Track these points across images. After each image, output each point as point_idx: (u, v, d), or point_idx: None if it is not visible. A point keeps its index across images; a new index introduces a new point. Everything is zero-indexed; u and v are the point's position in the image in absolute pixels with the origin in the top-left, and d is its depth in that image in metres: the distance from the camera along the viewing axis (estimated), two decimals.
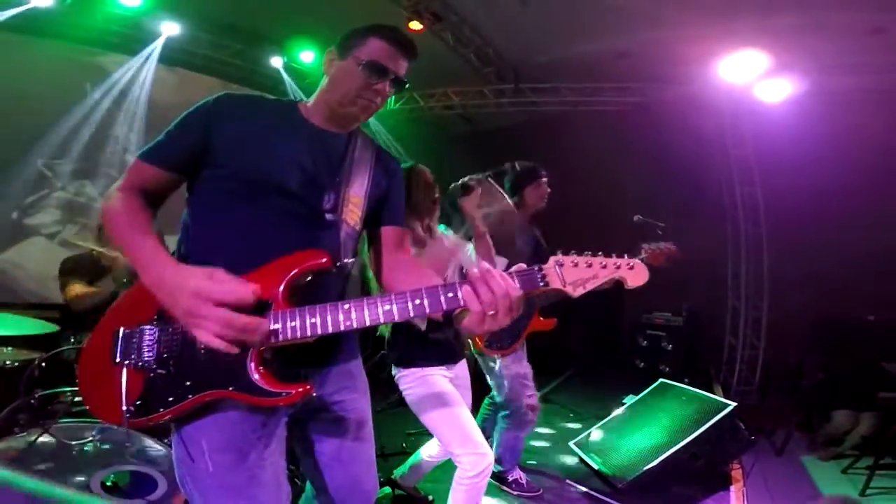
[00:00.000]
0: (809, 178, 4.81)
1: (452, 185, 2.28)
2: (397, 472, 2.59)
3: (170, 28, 4.95)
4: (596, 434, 3.46)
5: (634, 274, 1.03)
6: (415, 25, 4.60)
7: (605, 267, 1.02)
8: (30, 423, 1.96)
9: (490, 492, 2.89)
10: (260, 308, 1.06)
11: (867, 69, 4.44)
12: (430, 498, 2.64)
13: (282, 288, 1.09)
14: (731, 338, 5.84)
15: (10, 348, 2.54)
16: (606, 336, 7.11)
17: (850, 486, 3.16)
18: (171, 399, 1.08)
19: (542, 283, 1.02)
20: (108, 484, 1.86)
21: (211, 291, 1.00)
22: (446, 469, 2.68)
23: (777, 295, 5.59)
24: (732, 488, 2.99)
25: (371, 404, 1.44)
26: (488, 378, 2.85)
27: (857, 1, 3.75)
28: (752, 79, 4.65)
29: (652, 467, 2.81)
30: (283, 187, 1.22)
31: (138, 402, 1.08)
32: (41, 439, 1.89)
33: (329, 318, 1.06)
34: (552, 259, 1.03)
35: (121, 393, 1.07)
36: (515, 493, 2.87)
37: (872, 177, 4.69)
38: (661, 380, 3.77)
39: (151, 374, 1.09)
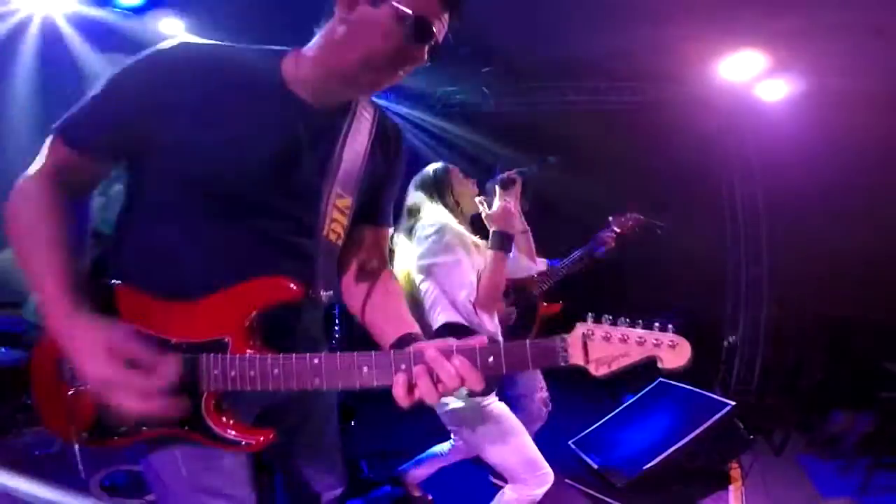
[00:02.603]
0: (809, 177, 4.81)
1: (490, 180, 2.19)
2: (402, 469, 2.60)
3: (171, 27, 4.93)
4: (596, 434, 3.46)
5: (675, 354, 0.84)
6: None
7: (641, 343, 0.83)
8: (28, 422, 1.96)
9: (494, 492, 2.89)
10: (216, 347, 0.93)
11: (868, 69, 4.44)
12: (430, 497, 2.64)
13: (241, 325, 0.93)
14: (730, 337, 5.84)
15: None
16: None
17: (849, 486, 3.16)
18: (123, 429, 0.97)
19: (562, 362, 0.84)
20: (107, 484, 1.87)
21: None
22: (447, 469, 2.69)
23: (776, 295, 5.59)
24: (731, 488, 2.99)
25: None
26: None
27: (857, 1, 3.74)
28: (752, 78, 4.65)
29: (651, 467, 2.81)
30: (245, 190, 0.98)
31: (91, 429, 0.97)
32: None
33: (294, 373, 0.90)
34: (580, 328, 0.84)
35: (70, 416, 0.97)
36: None
37: (873, 177, 4.69)
38: (660, 379, 3.77)
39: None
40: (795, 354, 5.06)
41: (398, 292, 1.17)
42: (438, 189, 2.13)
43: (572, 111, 5.85)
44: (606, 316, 0.84)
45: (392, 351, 0.88)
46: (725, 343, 5.83)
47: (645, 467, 2.82)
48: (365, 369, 0.88)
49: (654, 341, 0.84)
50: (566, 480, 3.11)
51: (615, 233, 2.81)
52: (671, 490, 2.91)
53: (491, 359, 0.84)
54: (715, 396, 3.33)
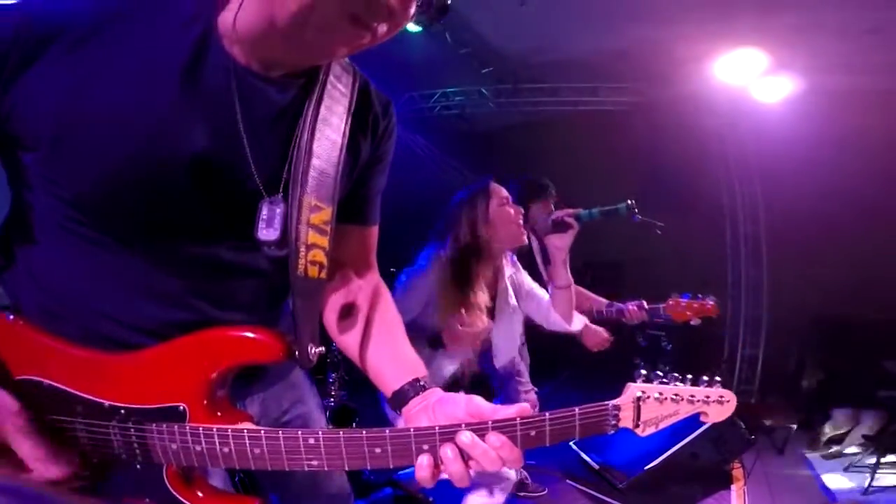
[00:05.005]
0: (808, 177, 4.81)
1: (542, 220, 1.96)
2: (401, 474, 2.59)
3: None
4: None
5: (721, 409, 0.80)
6: (413, 27, 4.60)
7: (692, 401, 0.79)
8: None
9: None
10: (169, 415, 0.73)
11: (866, 69, 4.44)
12: (431, 499, 2.64)
13: (199, 389, 0.74)
14: (731, 337, 5.83)
15: None
16: None
17: (851, 485, 3.15)
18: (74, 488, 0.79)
19: (611, 429, 0.79)
20: None
21: None
22: None
23: (777, 294, 5.59)
24: (733, 487, 2.98)
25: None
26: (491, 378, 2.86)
27: (855, 0, 3.75)
28: (751, 78, 4.65)
29: (652, 467, 2.81)
30: (158, 206, 0.71)
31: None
32: None
33: (283, 453, 0.71)
34: (633, 389, 0.77)
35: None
36: (521, 493, 2.88)
37: (872, 176, 4.69)
38: None
39: None
40: (796, 354, 5.06)
41: (395, 319, 0.95)
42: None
43: (571, 112, 5.86)
44: (656, 372, 0.80)
45: (412, 430, 0.71)
46: (726, 343, 5.83)
47: (646, 467, 2.82)
48: (378, 450, 0.71)
49: (705, 398, 0.80)
50: (567, 481, 3.10)
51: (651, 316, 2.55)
52: (672, 490, 2.90)
53: (533, 432, 0.72)
54: None
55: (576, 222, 1.87)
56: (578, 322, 2.04)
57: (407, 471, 2.56)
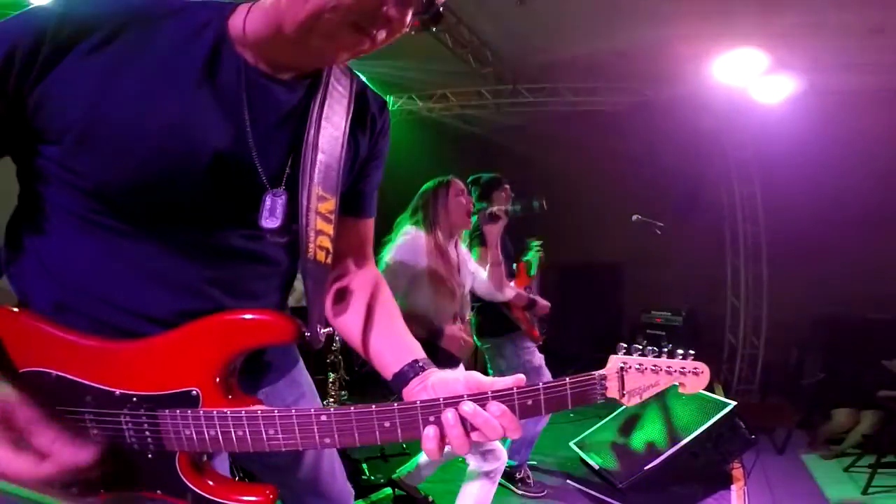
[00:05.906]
0: (808, 177, 4.81)
1: (479, 211, 2.39)
2: (399, 472, 2.60)
3: None
4: (596, 434, 3.46)
5: (696, 380, 0.86)
6: None
7: (669, 372, 0.84)
8: None
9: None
10: (181, 401, 0.74)
11: (866, 69, 4.44)
12: (430, 498, 2.64)
13: (212, 373, 0.75)
14: (731, 337, 5.83)
15: None
16: (606, 336, 7.11)
17: (851, 485, 3.16)
18: (73, 490, 0.76)
19: (599, 398, 0.81)
20: None
21: None
22: (447, 469, 2.68)
23: (777, 294, 5.59)
24: (733, 487, 2.98)
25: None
26: (502, 367, 2.88)
27: (855, 0, 3.75)
28: (751, 78, 4.65)
29: (652, 467, 2.81)
30: (177, 199, 0.75)
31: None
32: None
33: (296, 432, 0.73)
34: (615, 361, 0.83)
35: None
36: (520, 492, 2.88)
37: (871, 176, 4.69)
38: None
39: None
40: (796, 354, 5.06)
41: (393, 307, 1.01)
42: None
43: (571, 112, 5.86)
44: (635, 346, 0.85)
45: (419, 402, 0.75)
46: (726, 343, 5.84)
47: (646, 467, 2.82)
48: (387, 424, 0.74)
49: (681, 369, 0.85)
50: (567, 481, 3.10)
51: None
52: (672, 490, 2.90)
53: (530, 401, 0.76)
54: (716, 396, 3.33)
55: (505, 216, 2.33)
56: (510, 293, 2.56)
57: (406, 468, 2.57)
